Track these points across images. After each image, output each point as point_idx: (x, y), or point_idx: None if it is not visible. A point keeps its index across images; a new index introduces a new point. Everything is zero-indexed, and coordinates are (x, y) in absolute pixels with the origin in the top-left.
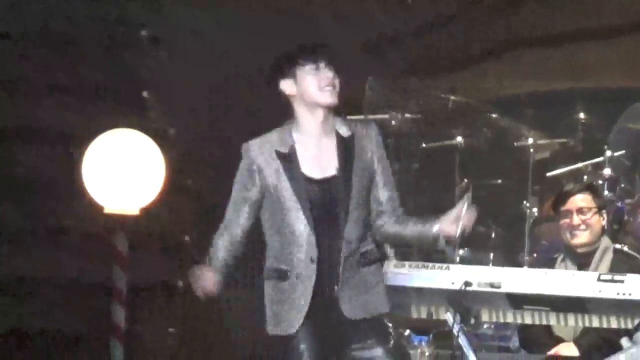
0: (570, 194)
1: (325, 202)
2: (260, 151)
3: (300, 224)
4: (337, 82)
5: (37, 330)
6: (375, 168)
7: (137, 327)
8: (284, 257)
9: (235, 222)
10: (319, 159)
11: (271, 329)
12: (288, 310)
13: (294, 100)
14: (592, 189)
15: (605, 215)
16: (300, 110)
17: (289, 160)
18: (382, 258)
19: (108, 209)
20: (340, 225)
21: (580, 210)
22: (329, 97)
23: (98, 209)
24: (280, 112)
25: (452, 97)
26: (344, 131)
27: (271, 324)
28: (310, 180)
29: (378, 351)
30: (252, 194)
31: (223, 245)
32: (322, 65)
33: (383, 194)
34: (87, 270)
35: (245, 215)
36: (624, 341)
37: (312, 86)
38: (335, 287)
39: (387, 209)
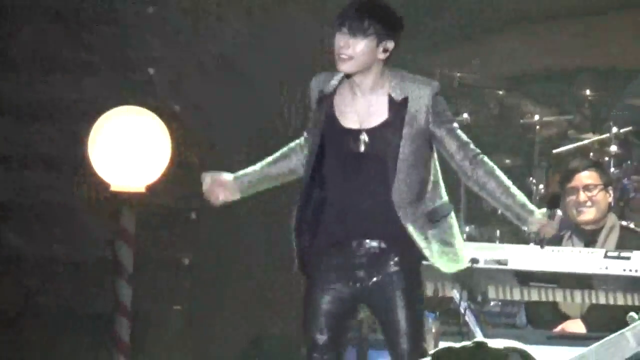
0: (576, 171)
1: (347, 151)
2: (313, 90)
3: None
4: (352, 50)
5: (43, 307)
6: (432, 127)
7: (143, 305)
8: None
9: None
10: (357, 112)
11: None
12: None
13: None
14: (598, 166)
15: (611, 192)
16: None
17: (324, 103)
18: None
19: (114, 186)
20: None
21: (586, 187)
22: (339, 64)
23: (104, 185)
24: (285, 89)
25: (458, 74)
26: (397, 94)
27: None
28: (342, 127)
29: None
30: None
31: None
32: (344, 29)
33: (450, 145)
34: (93, 247)
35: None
36: (631, 318)
37: (335, 49)
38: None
39: (461, 157)
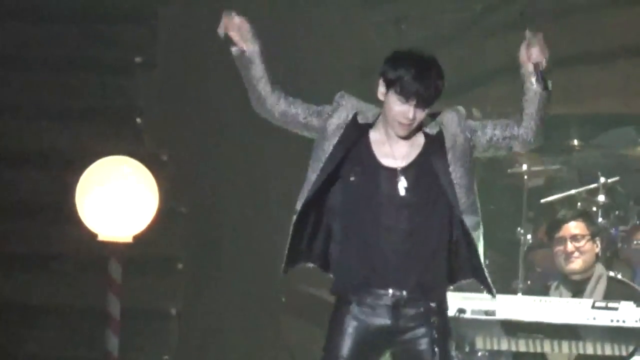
0: (563, 221)
1: (388, 194)
2: (346, 106)
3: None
4: (414, 120)
5: (30, 356)
6: (472, 137)
7: (131, 355)
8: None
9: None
10: (394, 151)
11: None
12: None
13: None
14: (586, 216)
15: (599, 243)
16: (382, 113)
17: (356, 129)
18: None
19: (102, 236)
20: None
21: (574, 238)
22: (399, 131)
23: (92, 236)
24: (275, 138)
25: None
26: (432, 128)
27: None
28: (381, 165)
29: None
30: (314, 119)
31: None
32: (411, 102)
33: (484, 134)
34: (80, 297)
35: (299, 105)
36: None
37: (390, 112)
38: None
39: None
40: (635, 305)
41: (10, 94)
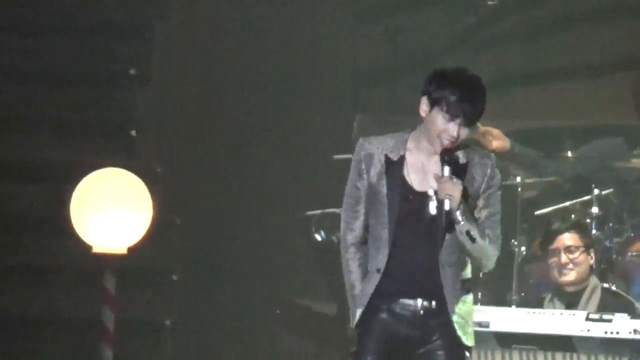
0: (558, 233)
1: (420, 214)
2: (376, 149)
3: (382, 230)
4: (459, 137)
5: None
6: (481, 193)
7: None
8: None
9: (358, 224)
10: (425, 172)
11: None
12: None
13: (424, 118)
14: (580, 228)
15: (593, 254)
16: (422, 129)
17: (395, 167)
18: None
19: (96, 248)
20: (435, 244)
21: (568, 249)
22: (440, 148)
23: (87, 248)
24: (270, 150)
25: None
26: (461, 158)
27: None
28: (409, 188)
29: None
30: (362, 191)
31: (357, 264)
32: (457, 120)
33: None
34: (76, 309)
35: (362, 212)
36: None
37: (435, 130)
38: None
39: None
40: (629, 317)
41: (5, 106)
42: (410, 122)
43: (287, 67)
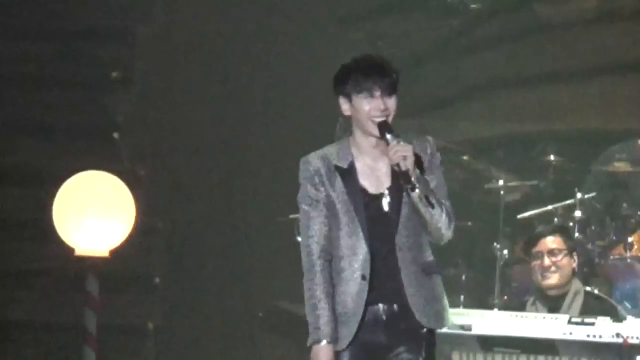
0: (541, 236)
1: (381, 216)
2: (321, 163)
3: (355, 239)
4: (389, 107)
5: None
6: (425, 167)
7: None
8: (335, 273)
9: (320, 237)
10: (375, 175)
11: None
12: (340, 327)
13: (351, 118)
14: (563, 231)
15: (576, 258)
16: (356, 130)
17: (348, 174)
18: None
19: (79, 251)
20: (395, 237)
21: (551, 252)
22: (376, 130)
23: (69, 251)
24: (254, 154)
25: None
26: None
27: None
28: (367, 194)
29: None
30: (321, 202)
31: (325, 292)
32: (376, 93)
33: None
34: (58, 312)
35: (324, 223)
36: None
37: (364, 113)
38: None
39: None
40: (611, 321)
41: None
42: (394, 122)
43: (270, 71)
